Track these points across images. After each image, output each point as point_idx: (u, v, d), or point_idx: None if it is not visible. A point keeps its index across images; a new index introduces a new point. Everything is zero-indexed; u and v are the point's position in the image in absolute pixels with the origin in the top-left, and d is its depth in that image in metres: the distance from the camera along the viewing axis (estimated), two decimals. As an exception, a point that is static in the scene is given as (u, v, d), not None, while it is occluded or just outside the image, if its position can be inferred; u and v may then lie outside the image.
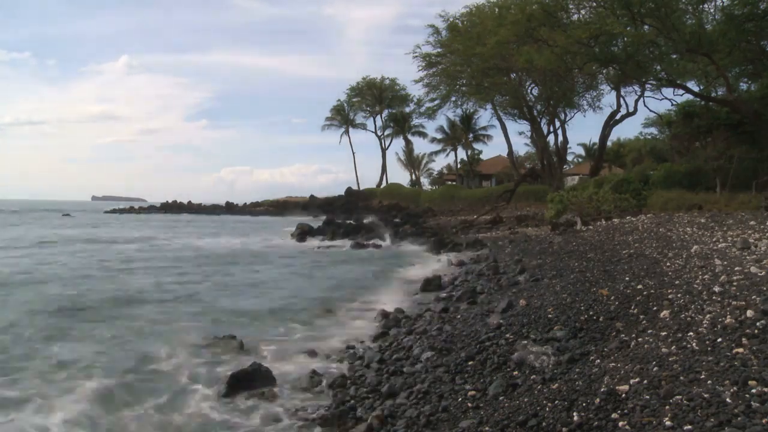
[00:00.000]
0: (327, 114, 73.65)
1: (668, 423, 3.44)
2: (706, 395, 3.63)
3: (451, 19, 40.92)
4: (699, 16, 22.52)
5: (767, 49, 23.30)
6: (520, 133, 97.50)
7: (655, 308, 6.30)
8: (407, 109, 68.45)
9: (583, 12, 25.15)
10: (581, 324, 6.51)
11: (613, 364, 4.84)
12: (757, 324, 4.74)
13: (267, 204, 74.79)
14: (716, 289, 6.28)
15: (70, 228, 42.51)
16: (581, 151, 65.29)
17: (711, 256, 8.78)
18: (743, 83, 27.63)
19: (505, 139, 49.11)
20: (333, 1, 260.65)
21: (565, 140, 41.71)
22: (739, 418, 3.29)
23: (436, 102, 49.12)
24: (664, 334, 5.22)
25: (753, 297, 5.58)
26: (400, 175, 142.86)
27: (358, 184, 70.99)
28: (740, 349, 4.31)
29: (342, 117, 72.49)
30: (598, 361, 5.19)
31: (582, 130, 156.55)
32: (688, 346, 4.69)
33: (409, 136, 70.08)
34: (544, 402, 4.47)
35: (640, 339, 5.37)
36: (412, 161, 72.72)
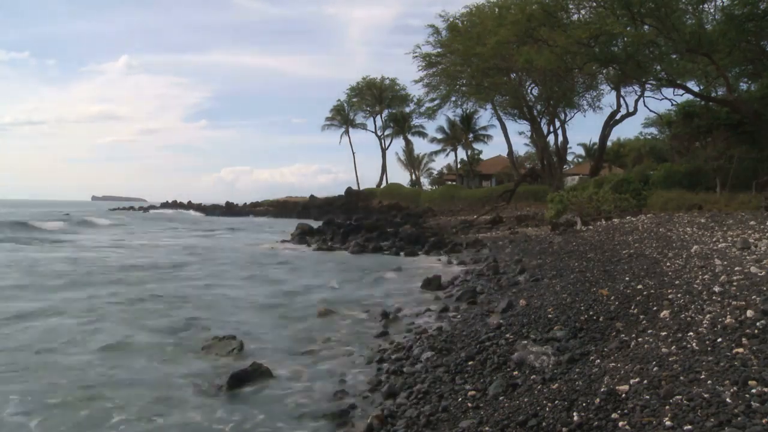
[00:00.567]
0: (327, 114, 73.80)
1: (668, 423, 3.43)
2: (706, 395, 3.63)
3: (451, 19, 40.99)
4: (699, 16, 22.53)
5: (767, 49, 23.31)
6: (520, 133, 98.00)
7: (655, 308, 6.30)
8: (407, 109, 68.52)
9: (583, 12, 25.18)
10: (581, 324, 6.51)
11: (613, 364, 4.84)
12: (757, 324, 4.74)
13: (267, 204, 74.84)
14: (716, 289, 6.28)
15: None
16: (581, 151, 65.47)
17: (711, 256, 8.78)
18: (743, 83, 27.67)
19: (505, 139, 49.27)
20: (333, 1, 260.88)
21: (565, 140, 41.81)
22: (739, 418, 3.29)
23: (436, 102, 49.23)
24: (664, 334, 5.22)
25: (753, 297, 5.58)
26: (400, 175, 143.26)
27: (358, 184, 71.07)
28: (740, 349, 4.31)
29: (342, 117, 72.51)
30: (598, 361, 5.19)
31: (582, 130, 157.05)
32: (688, 346, 4.68)
33: (409, 136, 70.20)
34: (544, 402, 4.47)
35: (640, 339, 5.37)
36: (412, 161, 72.77)
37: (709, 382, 3.85)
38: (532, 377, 5.41)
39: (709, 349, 4.50)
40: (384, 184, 69.21)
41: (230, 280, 16.42)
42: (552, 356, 5.74)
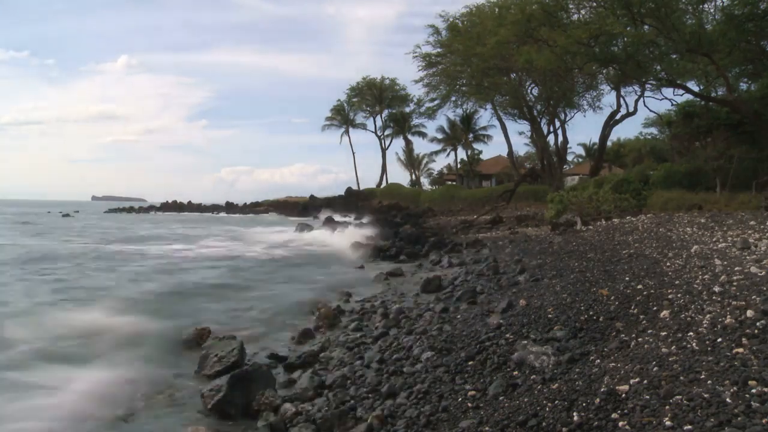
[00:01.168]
0: (327, 114, 73.85)
1: (668, 423, 3.43)
2: (706, 395, 3.63)
3: (451, 19, 41.00)
4: (699, 16, 22.52)
5: (767, 49, 23.31)
6: (520, 133, 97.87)
7: (655, 308, 6.29)
8: (407, 109, 68.55)
9: (583, 12, 25.18)
10: (581, 324, 6.50)
11: (613, 364, 4.84)
12: (757, 324, 4.74)
13: (267, 204, 74.89)
14: (716, 289, 6.27)
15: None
16: (581, 151, 65.49)
17: (711, 256, 8.78)
18: (743, 83, 27.67)
19: (505, 139, 49.23)
20: (334, 1, 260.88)
21: (565, 140, 41.78)
22: (739, 418, 3.29)
23: (436, 102, 49.22)
24: (664, 334, 5.22)
25: (753, 297, 5.58)
26: (400, 175, 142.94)
27: (358, 184, 71.10)
28: (740, 349, 4.31)
29: (342, 117, 72.55)
30: (598, 361, 5.18)
31: (582, 130, 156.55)
32: (688, 346, 4.68)
33: (409, 136, 70.24)
34: (544, 402, 4.47)
35: (640, 339, 5.37)
36: (412, 161, 72.78)
37: (709, 382, 3.85)
38: (532, 377, 5.41)
39: (709, 349, 4.50)
40: (384, 184, 69.26)
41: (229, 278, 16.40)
42: (552, 356, 5.73)
